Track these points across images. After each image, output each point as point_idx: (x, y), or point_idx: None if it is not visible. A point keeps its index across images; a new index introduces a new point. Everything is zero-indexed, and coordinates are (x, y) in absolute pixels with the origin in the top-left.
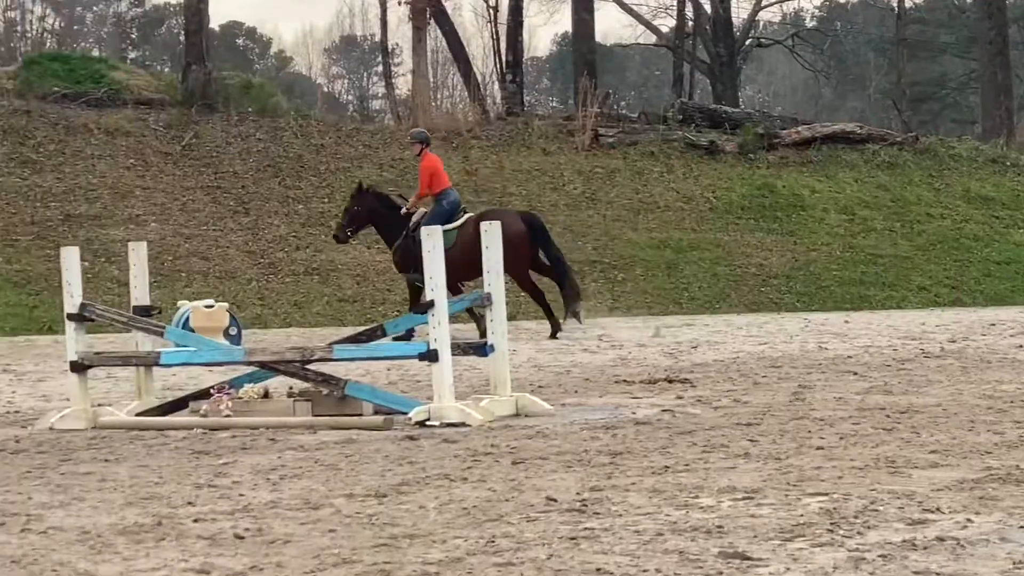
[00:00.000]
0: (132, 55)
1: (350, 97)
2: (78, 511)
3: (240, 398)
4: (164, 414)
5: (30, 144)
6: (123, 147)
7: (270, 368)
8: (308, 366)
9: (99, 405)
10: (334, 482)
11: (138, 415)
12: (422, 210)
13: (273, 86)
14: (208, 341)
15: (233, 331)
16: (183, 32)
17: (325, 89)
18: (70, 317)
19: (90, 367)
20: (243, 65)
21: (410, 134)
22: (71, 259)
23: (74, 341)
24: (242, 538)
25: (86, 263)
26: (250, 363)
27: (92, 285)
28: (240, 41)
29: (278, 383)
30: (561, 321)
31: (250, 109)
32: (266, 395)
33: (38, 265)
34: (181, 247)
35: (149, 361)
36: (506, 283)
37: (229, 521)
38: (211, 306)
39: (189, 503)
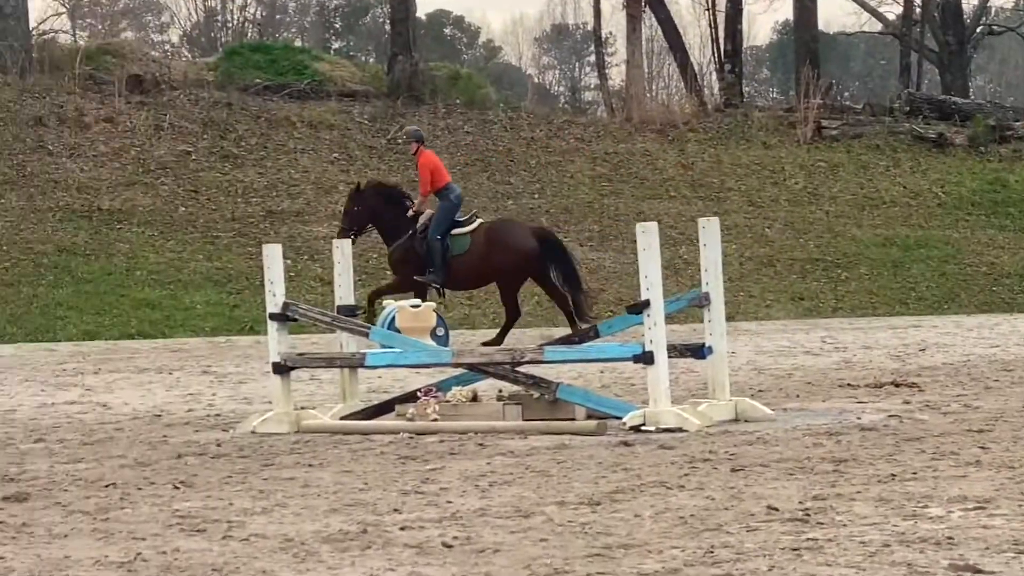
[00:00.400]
0: (336, 45)
1: (561, 88)
2: (281, 518)
3: (448, 401)
4: (369, 418)
5: (231, 138)
6: (327, 140)
7: (479, 370)
8: (518, 368)
9: (302, 408)
10: (545, 489)
11: (342, 419)
12: (429, 211)
13: (482, 77)
14: (414, 342)
15: (440, 332)
16: (389, 21)
17: (535, 80)
18: (272, 317)
19: (293, 369)
20: (450, 55)
21: (405, 132)
22: (273, 256)
23: (276, 342)
24: (450, 547)
25: (288, 261)
26: (458, 365)
27: (294, 284)
28: (447, 31)
29: (487, 386)
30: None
31: (458, 101)
32: (475, 398)
33: (239, 263)
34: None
35: (354, 363)
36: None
37: (437, 529)
38: (417, 306)
39: (395, 510)
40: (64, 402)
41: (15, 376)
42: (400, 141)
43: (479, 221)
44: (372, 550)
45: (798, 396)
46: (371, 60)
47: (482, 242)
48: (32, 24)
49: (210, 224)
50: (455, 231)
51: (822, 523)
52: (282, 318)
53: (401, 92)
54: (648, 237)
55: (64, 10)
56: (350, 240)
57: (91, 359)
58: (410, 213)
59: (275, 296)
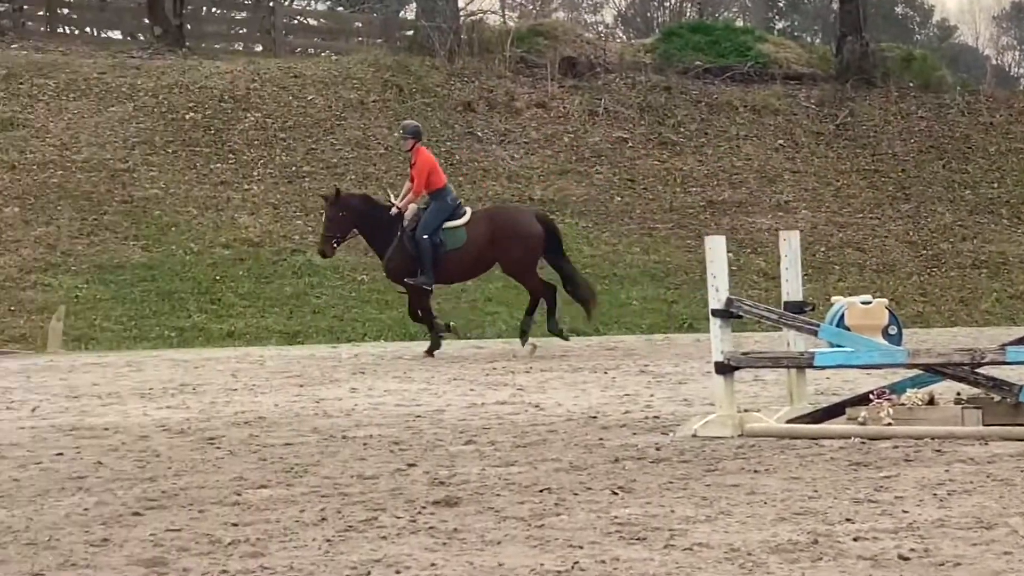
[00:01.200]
0: (779, 25)
1: (1022, 70)
2: (725, 526)
3: (903, 404)
4: (818, 421)
5: (669, 124)
6: (771, 126)
7: (935, 372)
8: (978, 369)
9: (746, 411)
10: (1009, 499)
11: (789, 422)
12: (413, 207)
13: (936, 59)
14: (867, 341)
15: (893, 330)
16: (836, 0)
17: (994, 62)
18: (715, 313)
19: (737, 368)
20: (902, 36)
21: (402, 126)
22: (717, 249)
23: (719, 339)
24: (907, 559)
25: (730, 254)
26: (913, 366)
27: (737, 278)
28: (898, 9)
29: (944, 388)
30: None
31: (911, 84)
32: (931, 401)
33: (677, 256)
34: (834, 236)
35: (802, 363)
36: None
37: (892, 540)
38: (868, 302)
39: (847, 520)
40: (494, 402)
41: (443, 375)
42: (396, 135)
43: (470, 211)
44: (823, 561)
45: None
46: (817, 41)
47: (484, 232)
48: (460, 4)
49: (647, 215)
50: (448, 224)
51: None
52: (726, 314)
53: (850, 74)
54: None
55: None
56: (333, 247)
57: (522, 357)
58: (394, 210)
59: (718, 291)
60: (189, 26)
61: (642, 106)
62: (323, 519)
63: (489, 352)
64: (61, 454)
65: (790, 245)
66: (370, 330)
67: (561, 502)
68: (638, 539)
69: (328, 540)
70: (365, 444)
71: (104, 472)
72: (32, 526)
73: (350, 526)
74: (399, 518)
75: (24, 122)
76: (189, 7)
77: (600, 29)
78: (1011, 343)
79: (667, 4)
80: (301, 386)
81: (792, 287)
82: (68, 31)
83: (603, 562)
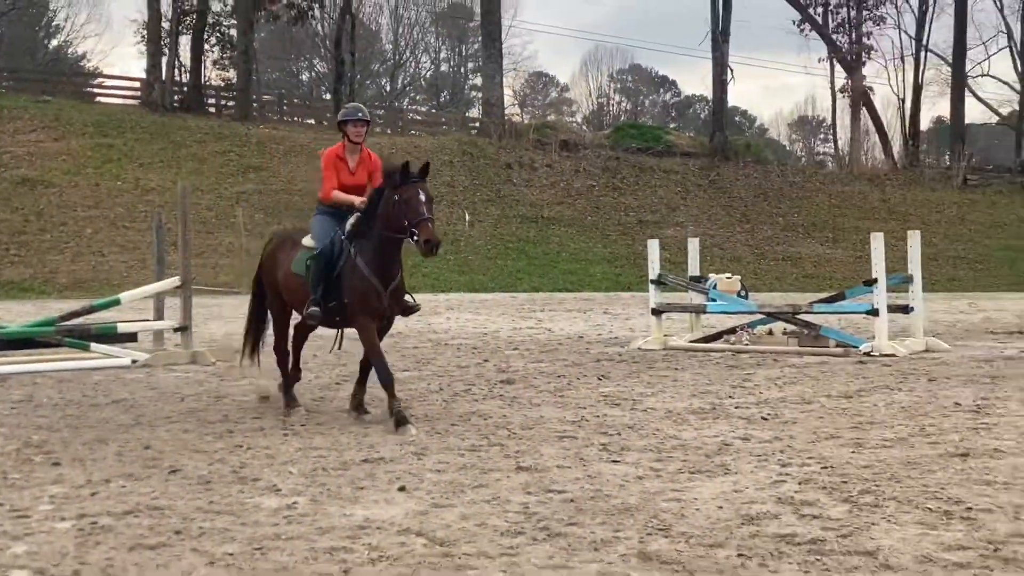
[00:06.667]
0: (675, 125)
1: (803, 154)
2: (663, 398)
3: (755, 334)
4: (707, 341)
5: (618, 178)
6: (674, 181)
7: (773, 316)
8: (797, 316)
9: (667, 336)
10: (817, 386)
11: (692, 342)
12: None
13: (760, 146)
14: (732, 298)
15: (743, 293)
16: (710, 111)
17: (788, 148)
18: (652, 282)
19: (663, 312)
20: (740, 132)
21: (356, 107)
22: (654, 247)
23: (654, 297)
24: (766, 419)
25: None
26: (760, 313)
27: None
28: (737, 118)
29: (777, 326)
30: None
31: (748, 159)
32: (770, 333)
33: (623, 250)
34: (708, 242)
35: (699, 310)
36: None
37: (756, 409)
38: (730, 277)
39: (729, 397)
40: (525, 327)
41: (493, 312)
42: (351, 119)
43: None
44: (718, 419)
45: (962, 337)
46: (696, 134)
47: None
48: (506, 109)
49: (606, 228)
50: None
51: (989, 413)
52: (658, 283)
53: (717, 153)
54: (877, 241)
55: (516, 102)
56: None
57: (538, 303)
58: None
59: (654, 270)
60: None
61: (603, 168)
62: (440, 389)
63: (520, 300)
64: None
65: (693, 245)
66: (451, 284)
67: (571, 383)
68: (616, 404)
69: (444, 401)
70: (459, 348)
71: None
72: None
73: (456, 393)
74: (482, 389)
75: (262, 167)
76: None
77: (576, 124)
78: (816, 302)
79: (615, 112)
80: (419, 317)
81: (693, 269)
82: (285, 118)
83: (598, 416)
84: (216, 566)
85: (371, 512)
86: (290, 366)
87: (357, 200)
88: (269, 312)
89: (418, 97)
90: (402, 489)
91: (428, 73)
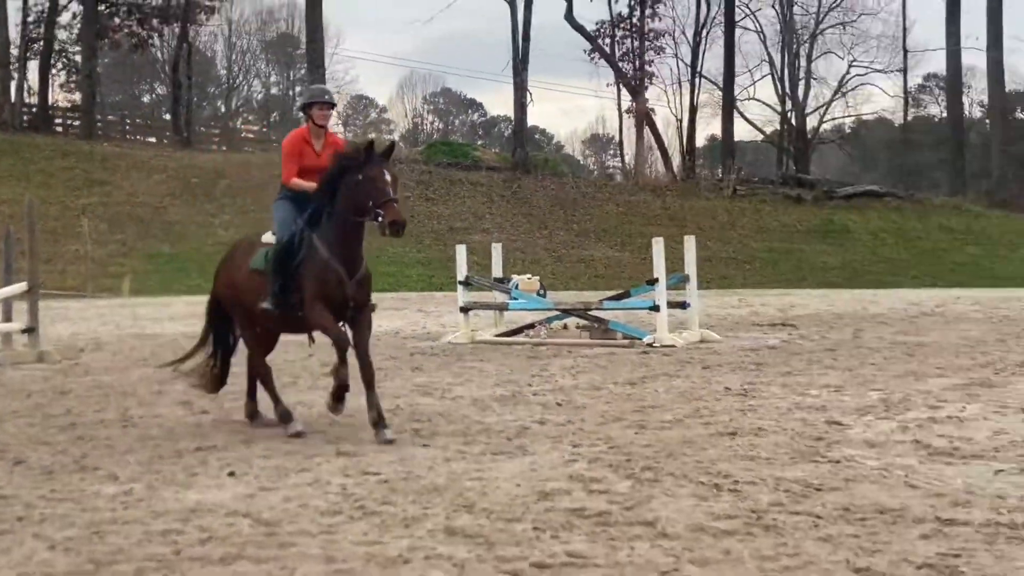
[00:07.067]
0: (481, 142)
1: (595, 167)
2: (470, 387)
3: (552, 328)
4: (510, 336)
5: (431, 189)
6: (480, 192)
7: (567, 312)
8: (589, 312)
9: (474, 331)
10: (606, 375)
11: (496, 336)
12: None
13: (557, 161)
14: (532, 296)
15: (542, 292)
16: (512, 130)
17: (582, 163)
18: (460, 283)
19: (470, 310)
20: (539, 147)
21: (321, 89)
22: (461, 252)
23: (462, 296)
24: (560, 404)
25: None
26: (557, 309)
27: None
28: (537, 136)
29: (571, 321)
30: None
31: (546, 172)
32: (565, 327)
33: (436, 254)
34: (511, 246)
35: (503, 307)
36: None
37: (552, 395)
38: (530, 277)
39: (529, 385)
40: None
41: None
42: (316, 101)
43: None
44: (518, 405)
45: (732, 329)
46: (501, 150)
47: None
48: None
49: (420, 234)
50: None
51: (754, 397)
52: (465, 284)
53: (519, 167)
54: (658, 245)
55: (339, 122)
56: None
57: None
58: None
59: (461, 271)
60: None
61: (418, 180)
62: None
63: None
64: None
65: (497, 251)
66: None
67: (387, 375)
68: (427, 393)
69: None
70: (286, 344)
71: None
72: None
73: (283, 385)
74: (307, 381)
75: (106, 181)
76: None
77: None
78: (606, 299)
79: (429, 130)
80: None
81: (497, 270)
82: (127, 137)
83: (411, 404)
84: (56, 550)
85: (203, 496)
86: (248, 389)
87: (311, 185)
88: (239, 329)
89: (250, 117)
90: (232, 474)
91: (259, 96)
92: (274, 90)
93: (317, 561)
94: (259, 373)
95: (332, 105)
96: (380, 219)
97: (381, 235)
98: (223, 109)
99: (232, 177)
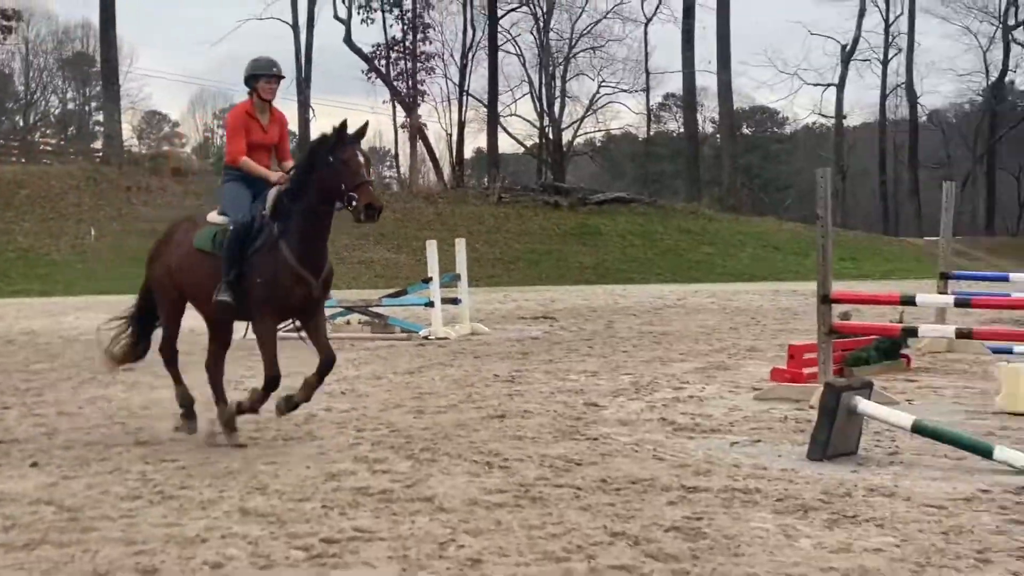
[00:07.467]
0: None
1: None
2: (262, 380)
3: (347, 324)
4: (296, 332)
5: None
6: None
7: (350, 309)
8: (370, 308)
9: None
10: (386, 365)
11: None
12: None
13: None
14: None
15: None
16: (298, 144)
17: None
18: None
19: None
20: None
21: (270, 61)
22: (431, 248)
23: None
24: (345, 394)
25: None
26: (341, 306)
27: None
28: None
29: (354, 318)
30: None
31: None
32: (348, 323)
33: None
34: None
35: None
36: None
37: (337, 385)
38: None
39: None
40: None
41: (118, 311)
42: (263, 74)
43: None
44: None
45: (499, 322)
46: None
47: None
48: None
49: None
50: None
51: (520, 382)
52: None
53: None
54: (431, 248)
55: (134, 135)
56: None
57: None
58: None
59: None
60: None
61: (207, 190)
62: (70, 378)
63: None
64: None
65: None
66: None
67: (185, 368)
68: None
69: (73, 387)
70: (87, 343)
71: None
72: None
73: (83, 381)
74: (107, 377)
75: None
76: None
77: (187, 154)
78: (384, 296)
79: (219, 143)
80: (50, 316)
81: None
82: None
83: (206, 395)
84: None
85: (6, 486)
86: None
87: (274, 176)
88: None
89: (48, 131)
90: (34, 465)
91: (57, 111)
92: (71, 105)
93: (118, 544)
94: (165, 356)
95: (280, 78)
96: (354, 203)
97: (356, 221)
98: (21, 123)
99: (31, 187)
